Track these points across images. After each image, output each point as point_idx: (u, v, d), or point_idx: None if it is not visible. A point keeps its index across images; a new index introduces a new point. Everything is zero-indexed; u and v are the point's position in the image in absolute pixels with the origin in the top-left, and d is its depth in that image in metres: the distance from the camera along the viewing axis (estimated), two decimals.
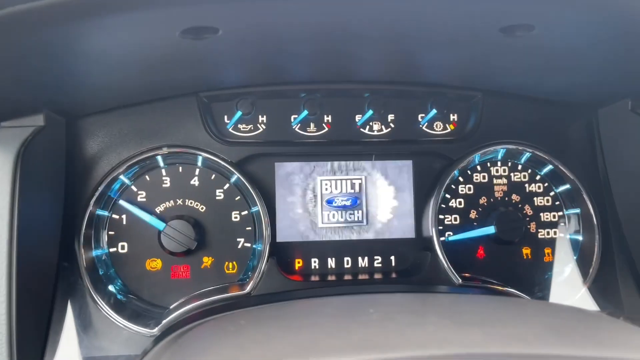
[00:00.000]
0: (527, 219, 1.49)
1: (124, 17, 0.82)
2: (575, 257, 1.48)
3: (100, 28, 0.86)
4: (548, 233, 1.50)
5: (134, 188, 1.38)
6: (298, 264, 1.44)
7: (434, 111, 1.46)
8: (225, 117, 1.42)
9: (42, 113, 1.17)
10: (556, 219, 1.51)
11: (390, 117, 1.47)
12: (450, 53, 1.18)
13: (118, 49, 0.97)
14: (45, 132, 1.17)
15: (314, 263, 1.44)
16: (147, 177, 1.39)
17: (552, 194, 1.51)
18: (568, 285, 1.45)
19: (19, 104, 1.13)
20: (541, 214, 1.50)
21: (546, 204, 1.51)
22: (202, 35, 0.94)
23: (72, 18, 0.80)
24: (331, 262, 1.44)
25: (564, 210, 1.51)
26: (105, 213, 1.36)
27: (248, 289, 1.32)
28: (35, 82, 1.08)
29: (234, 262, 1.40)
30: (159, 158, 1.37)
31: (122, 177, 1.35)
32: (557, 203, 1.51)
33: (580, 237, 1.48)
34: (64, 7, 0.76)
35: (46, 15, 0.77)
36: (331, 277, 1.42)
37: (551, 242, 1.50)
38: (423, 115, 1.48)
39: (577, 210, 1.49)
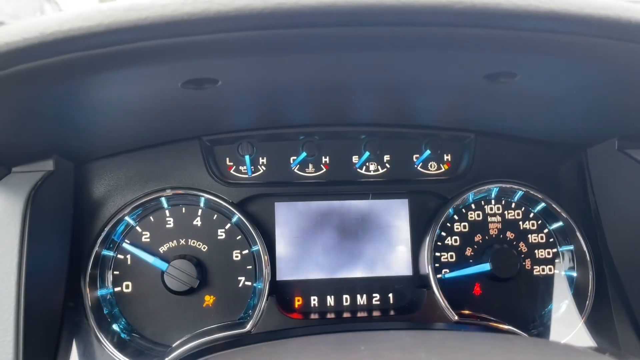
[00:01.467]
0: (522, 255, 1.52)
1: (129, 71, 0.88)
2: (570, 293, 1.50)
3: (108, 81, 0.92)
4: (543, 270, 1.53)
5: (138, 229, 1.43)
6: (297, 302, 1.47)
7: (428, 151, 1.52)
8: (227, 159, 1.48)
9: (51, 158, 1.22)
10: (551, 256, 1.54)
11: (386, 157, 1.52)
12: (440, 98, 1.24)
13: (124, 99, 1.04)
14: (55, 177, 1.23)
15: (313, 301, 1.47)
16: (151, 218, 1.44)
17: (545, 231, 1.55)
18: (564, 321, 1.47)
19: (30, 151, 1.19)
20: (536, 251, 1.53)
21: (540, 241, 1.54)
22: (203, 86, 1.00)
23: (82, 73, 0.86)
24: (330, 300, 1.47)
25: (558, 247, 1.54)
26: (111, 253, 1.41)
27: (248, 327, 1.35)
28: (46, 130, 1.14)
29: (235, 301, 1.43)
30: (163, 200, 1.42)
31: (127, 218, 1.40)
32: (551, 240, 1.55)
33: (574, 274, 1.51)
34: (75, 64, 0.82)
35: (58, 70, 0.83)
36: (330, 315, 1.45)
37: (546, 279, 1.53)
38: (418, 155, 1.53)
39: (571, 247, 1.52)
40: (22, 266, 1.10)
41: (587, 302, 1.46)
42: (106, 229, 1.38)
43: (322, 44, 0.86)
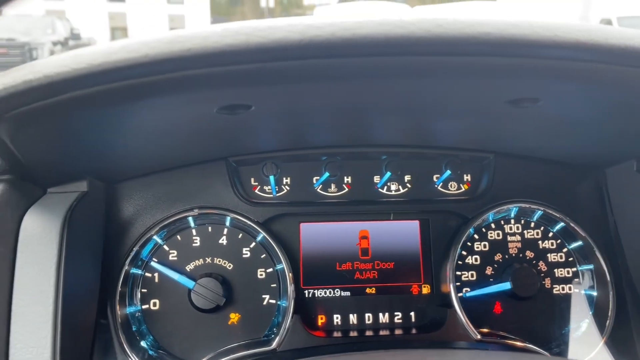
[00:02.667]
0: (542, 274, 1.54)
1: (170, 98, 0.93)
2: (591, 313, 1.52)
3: (148, 108, 0.96)
4: (563, 289, 1.55)
5: (166, 247, 1.46)
6: (321, 320, 1.49)
7: (449, 172, 1.55)
8: (252, 179, 1.51)
9: (85, 180, 1.27)
10: (570, 275, 1.55)
11: (407, 177, 1.55)
12: (462, 122, 1.28)
13: (161, 125, 1.08)
14: (88, 197, 1.27)
15: (336, 319, 1.49)
16: (178, 237, 1.47)
17: (565, 250, 1.56)
18: (585, 340, 1.48)
19: (66, 173, 1.24)
20: (555, 270, 1.55)
21: (560, 260, 1.56)
22: (236, 111, 1.04)
23: (125, 101, 0.90)
24: (353, 318, 1.50)
25: (578, 266, 1.56)
26: (139, 272, 1.44)
27: (274, 345, 1.38)
28: (83, 152, 1.19)
29: (260, 318, 1.45)
30: (190, 219, 1.46)
31: (155, 237, 1.44)
32: (571, 259, 1.56)
33: (594, 293, 1.53)
34: (119, 92, 0.87)
35: (103, 98, 0.88)
36: (353, 333, 1.47)
37: (566, 298, 1.54)
38: (438, 175, 1.56)
39: (591, 267, 1.53)
40: (60, 285, 1.13)
41: (608, 321, 1.48)
42: (135, 248, 1.42)
43: (354, 73, 0.90)
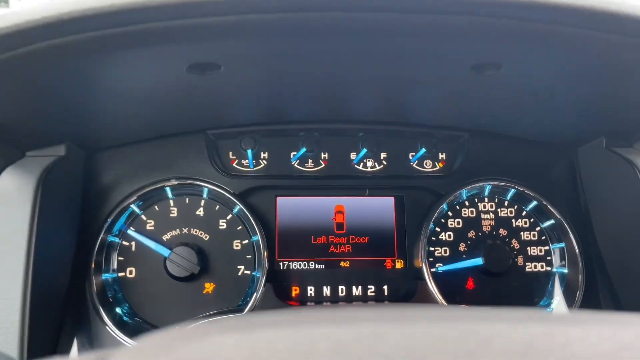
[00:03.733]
0: (515, 252, 1.56)
1: (138, 52, 0.95)
2: (561, 289, 1.54)
3: (118, 63, 0.99)
4: (535, 266, 1.57)
5: (143, 217, 1.49)
6: (295, 291, 1.51)
7: (424, 150, 1.57)
8: (230, 153, 1.54)
9: (63, 144, 1.29)
10: (542, 253, 1.58)
11: (383, 155, 1.58)
12: (433, 93, 1.30)
13: (132, 84, 1.10)
14: (65, 162, 1.29)
15: (310, 291, 1.52)
16: (156, 207, 1.50)
17: (537, 229, 1.59)
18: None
19: (43, 136, 1.26)
20: (528, 248, 1.58)
21: (532, 238, 1.58)
22: (206, 72, 1.07)
23: (94, 52, 0.93)
24: (326, 290, 1.52)
25: (550, 244, 1.58)
26: (116, 240, 1.46)
27: (245, 312, 1.40)
28: (59, 115, 1.21)
29: (234, 288, 1.48)
30: (168, 189, 1.48)
31: (132, 206, 1.46)
32: (543, 238, 1.59)
33: (565, 270, 1.55)
34: (88, 43, 0.89)
35: (72, 49, 0.90)
36: (326, 304, 1.49)
37: (538, 275, 1.57)
38: (413, 153, 1.59)
39: (562, 245, 1.56)
40: (32, 245, 1.15)
41: (577, 297, 1.50)
42: (112, 216, 1.44)
43: (317, 29, 0.92)
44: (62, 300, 1.30)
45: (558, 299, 1.53)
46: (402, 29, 0.94)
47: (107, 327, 1.37)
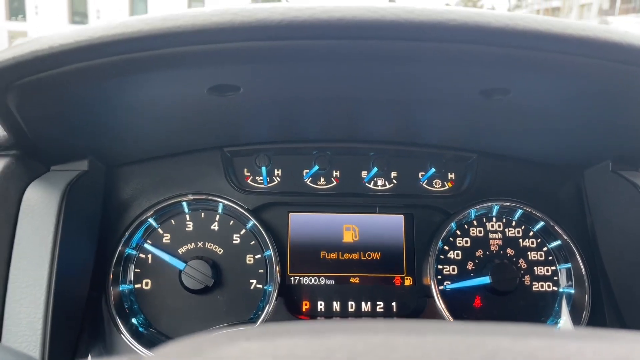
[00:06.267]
0: (522, 272, 1.59)
1: (162, 74, 1.01)
2: (567, 309, 1.56)
3: (143, 84, 1.05)
4: (542, 286, 1.60)
5: (160, 230, 1.53)
6: (305, 306, 1.55)
7: (433, 169, 1.61)
8: (245, 169, 1.59)
9: (86, 159, 1.35)
10: (549, 273, 1.61)
11: (393, 173, 1.62)
12: (443, 116, 1.35)
13: (156, 104, 1.16)
14: (88, 176, 1.35)
15: (320, 306, 1.55)
16: (172, 221, 1.55)
17: (544, 249, 1.62)
18: None
19: (68, 151, 1.32)
20: (535, 268, 1.60)
21: (539, 258, 1.61)
22: (226, 93, 1.12)
23: (122, 74, 0.98)
24: (336, 306, 1.55)
25: (557, 264, 1.61)
26: (134, 252, 1.51)
27: (257, 325, 1.43)
28: (82, 132, 1.27)
29: (246, 302, 1.52)
30: (184, 204, 1.53)
31: (150, 220, 1.51)
32: (550, 258, 1.62)
33: (572, 290, 1.57)
34: (117, 66, 0.95)
35: (103, 71, 0.96)
36: (336, 319, 1.53)
37: (545, 295, 1.59)
38: (423, 173, 1.63)
39: (569, 265, 1.59)
40: (55, 255, 1.20)
41: (583, 317, 1.52)
42: (130, 229, 1.49)
43: (331, 55, 0.97)
44: (81, 309, 1.34)
45: (565, 319, 1.55)
46: (411, 56, 0.99)
47: (123, 337, 1.41)
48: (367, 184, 1.62)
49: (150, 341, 1.43)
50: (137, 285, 1.50)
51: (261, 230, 1.52)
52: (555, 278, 1.60)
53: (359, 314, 1.55)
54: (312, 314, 1.54)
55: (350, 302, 1.56)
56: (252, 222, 1.53)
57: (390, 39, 0.93)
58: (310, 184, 1.60)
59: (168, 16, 0.91)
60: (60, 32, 0.94)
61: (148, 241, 1.52)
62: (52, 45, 0.92)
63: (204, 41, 0.91)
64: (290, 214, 1.59)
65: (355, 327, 0.52)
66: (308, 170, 1.60)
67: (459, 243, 1.60)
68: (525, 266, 1.60)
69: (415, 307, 1.55)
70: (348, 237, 1.59)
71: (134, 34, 0.90)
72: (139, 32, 0.90)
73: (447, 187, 1.63)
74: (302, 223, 1.59)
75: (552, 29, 0.93)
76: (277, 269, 1.50)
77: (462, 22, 0.91)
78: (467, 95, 1.17)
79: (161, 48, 0.92)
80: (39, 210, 1.23)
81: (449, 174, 1.64)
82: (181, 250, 1.53)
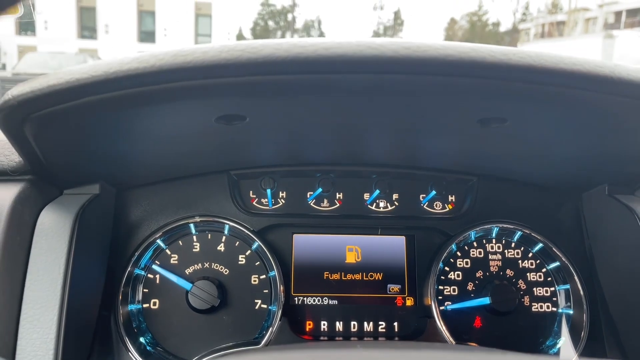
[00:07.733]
0: (521, 292, 1.62)
1: (174, 106, 1.06)
2: (567, 330, 1.59)
3: (155, 114, 1.10)
4: (541, 307, 1.63)
5: (168, 251, 1.58)
6: (309, 325, 1.58)
7: (434, 192, 1.66)
8: (251, 192, 1.64)
9: (98, 183, 1.40)
10: (548, 294, 1.64)
11: (395, 196, 1.67)
12: (442, 142, 1.40)
13: (166, 132, 1.21)
14: (99, 200, 1.40)
15: (323, 325, 1.59)
16: (180, 242, 1.59)
17: (543, 270, 1.65)
18: (560, 355, 1.55)
19: (80, 176, 1.37)
20: (534, 289, 1.63)
21: (538, 279, 1.64)
22: (233, 122, 1.17)
23: (135, 106, 1.04)
24: (339, 325, 1.59)
25: (556, 286, 1.64)
26: (142, 273, 1.55)
27: (261, 345, 1.47)
28: (95, 157, 1.32)
29: (251, 321, 1.55)
30: (192, 226, 1.58)
31: (158, 241, 1.56)
32: (549, 279, 1.65)
33: (571, 311, 1.60)
34: (130, 98, 1.00)
35: (116, 103, 1.01)
36: (338, 339, 1.56)
37: (544, 315, 1.62)
38: (424, 195, 1.67)
39: (567, 286, 1.62)
40: (67, 277, 1.25)
41: (582, 338, 1.55)
42: (139, 250, 1.54)
43: (334, 88, 1.02)
44: (92, 329, 1.38)
45: (564, 339, 1.58)
46: (410, 89, 1.03)
47: (131, 356, 1.45)
48: (369, 206, 1.66)
49: None
50: (145, 305, 1.54)
51: (266, 251, 1.56)
52: (554, 299, 1.63)
53: (361, 334, 1.58)
54: (316, 334, 1.58)
55: (352, 322, 1.59)
56: (257, 243, 1.57)
57: (389, 73, 0.98)
58: (314, 206, 1.65)
59: (179, 52, 0.96)
60: (78, 68, 1.00)
61: (156, 262, 1.57)
62: (69, 79, 0.98)
63: (213, 76, 0.97)
64: (294, 235, 1.63)
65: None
66: (312, 193, 1.65)
67: (460, 264, 1.64)
68: (525, 287, 1.63)
69: (416, 327, 1.58)
70: (351, 258, 1.63)
71: (147, 69, 0.95)
72: (151, 67, 0.95)
73: (447, 209, 1.67)
74: (306, 244, 1.63)
75: (545, 63, 0.98)
76: (282, 289, 1.54)
77: (458, 58, 0.96)
78: (466, 124, 1.22)
79: (172, 82, 0.97)
80: (52, 233, 1.27)
81: (450, 196, 1.68)
82: (188, 271, 1.57)
